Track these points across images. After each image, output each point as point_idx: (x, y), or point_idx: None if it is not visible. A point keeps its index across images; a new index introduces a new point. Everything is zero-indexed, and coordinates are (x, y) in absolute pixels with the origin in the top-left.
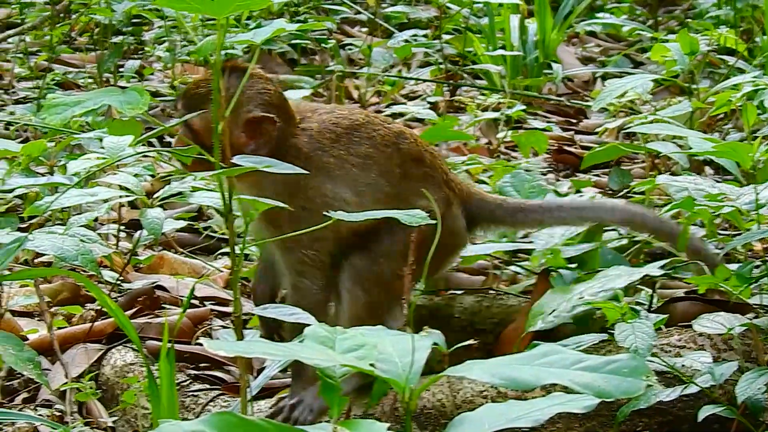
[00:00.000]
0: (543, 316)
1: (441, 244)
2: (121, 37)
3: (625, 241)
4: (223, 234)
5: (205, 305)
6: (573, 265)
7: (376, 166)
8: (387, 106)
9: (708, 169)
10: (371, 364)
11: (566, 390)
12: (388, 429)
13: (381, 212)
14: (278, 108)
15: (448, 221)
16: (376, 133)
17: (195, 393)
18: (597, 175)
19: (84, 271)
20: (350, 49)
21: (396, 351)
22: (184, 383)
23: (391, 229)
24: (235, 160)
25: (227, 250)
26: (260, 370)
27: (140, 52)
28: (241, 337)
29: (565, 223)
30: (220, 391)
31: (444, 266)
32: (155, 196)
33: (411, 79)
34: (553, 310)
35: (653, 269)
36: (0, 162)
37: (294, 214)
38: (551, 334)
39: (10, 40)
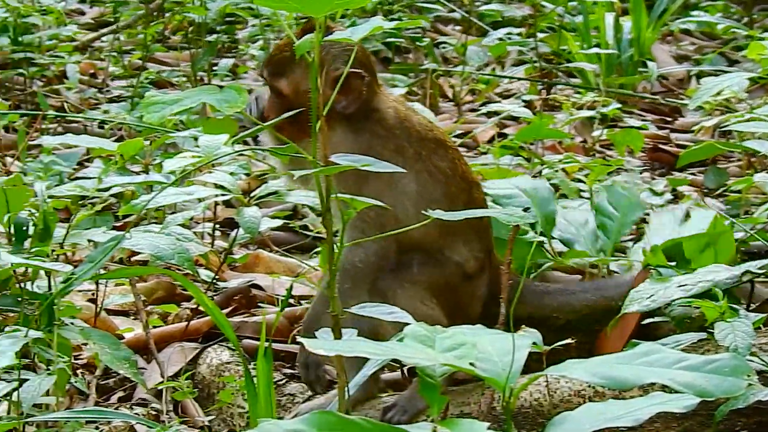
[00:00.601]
0: (640, 300)
1: (460, 302)
2: (215, 36)
3: None
4: (318, 232)
5: (301, 304)
6: (673, 263)
7: (446, 189)
8: (481, 105)
9: None
10: (471, 363)
11: (665, 389)
12: (488, 428)
13: (479, 211)
14: (364, 65)
15: (475, 284)
16: (459, 165)
17: (291, 392)
18: (693, 174)
19: (180, 269)
20: (444, 48)
21: (495, 350)
22: (280, 382)
23: (425, 261)
24: (333, 158)
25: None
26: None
27: (234, 51)
28: (339, 336)
29: (591, 305)
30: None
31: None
32: (251, 194)
33: (505, 77)
34: (651, 295)
35: (753, 266)
36: (95, 161)
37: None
38: (650, 333)
39: (104, 38)
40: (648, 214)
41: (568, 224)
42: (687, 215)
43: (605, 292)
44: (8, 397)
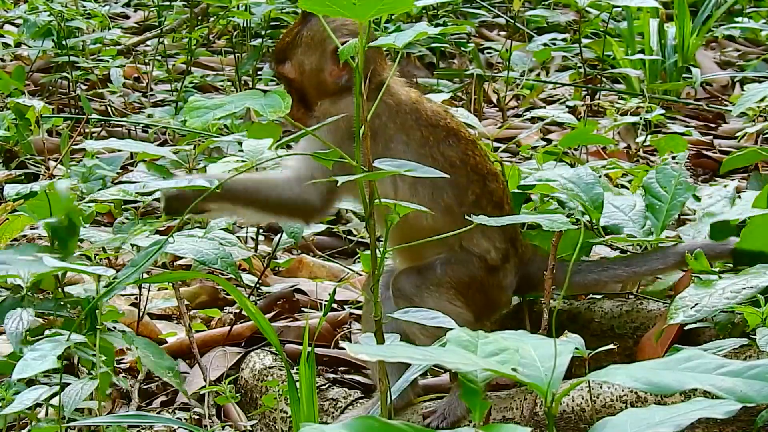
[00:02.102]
0: (684, 309)
1: (487, 296)
2: (259, 40)
3: None
4: (362, 237)
5: (344, 309)
6: (716, 269)
7: (453, 179)
8: (526, 110)
9: None
10: (513, 369)
11: (706, 395)
12: None
13: (523, 217)
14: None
15: (500, 275)
16: (471, 156)
17: (334, 397)
18: (736, 180)
19: (223, 274)
20: (489, 53)
21: (538, 355)
22: (323, 387)
23: (447, 260)
24: (376, 164)
25: (367, 253)
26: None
27: None
28: (382, 340)
29: (621, 280)
30: (360, 395)
31: (484, 317)
32: None
33: (550, 82)
34: (696, 304)
35: None
36: (139, 165)
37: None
38: (692, 339)
39: (148, 42)
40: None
41: (616, 210)
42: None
43: (635, 267)
44: (50, 401)
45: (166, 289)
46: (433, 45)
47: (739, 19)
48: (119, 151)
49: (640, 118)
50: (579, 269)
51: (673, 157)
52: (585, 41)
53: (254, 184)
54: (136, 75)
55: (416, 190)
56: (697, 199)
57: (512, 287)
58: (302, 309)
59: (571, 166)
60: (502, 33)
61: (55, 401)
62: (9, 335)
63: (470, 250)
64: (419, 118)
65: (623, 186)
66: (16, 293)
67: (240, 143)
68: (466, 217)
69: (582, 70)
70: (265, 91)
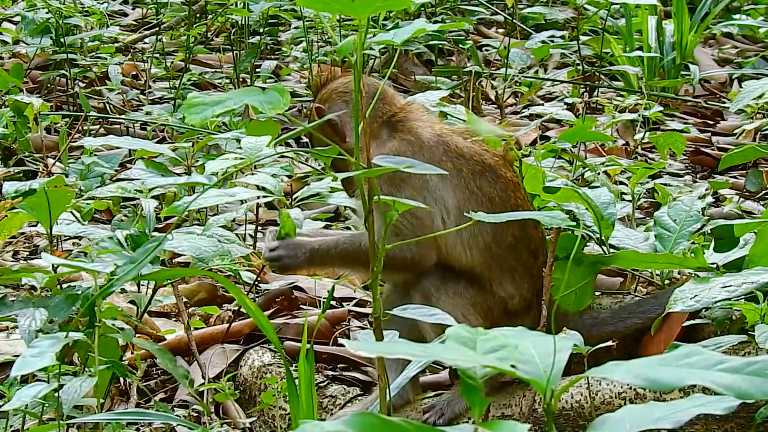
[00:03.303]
0: (684, 300)
1: None
2: (257, 38)
3: None
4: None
5: (343, 306)
6: (713, 266)
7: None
8: (524, 107)
9: None
10: (512, 365)
11: (705, 391)
12: (529, 431)
13: (522, 213)
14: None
15: (518, 322)
16: (512, 196)
17: (333, 394)
18: (734, 177)
19: (222, 272)
20: (487, 50)
21: (537, 352)
22: (322, 384)
23: (473, 283)
24: (375, 160)
25: None
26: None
27: (277, 53)
28: (381, 337)
29: (635, 327)
30: (359, 392)
31: None
32: (293, 196)
33: (548, 80)
34: (695, 296)
35: None
36: (137, 162)
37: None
38: (692, 337)
39: (146, 40)
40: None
41: (626, 236)
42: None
43: (651, 313)
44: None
45: (165, 286)
46: (432, 42)
47: (738, 16)
48: (118, 148)
49: (639, 115)
50: (596, 321)
51: (672, 155)
52: (583, 38)
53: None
54: (134, 72)
55: (460, 225)
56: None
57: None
58: (301, 306)
59: (570, 163)
60: (501, 30)
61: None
62: (22, 333)
63: (496, 291)
64: (447, 150)
65: (622, 183)
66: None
67: (238, 140)
68: (465, 213)
69: (580, 68)
70: (263, 88)
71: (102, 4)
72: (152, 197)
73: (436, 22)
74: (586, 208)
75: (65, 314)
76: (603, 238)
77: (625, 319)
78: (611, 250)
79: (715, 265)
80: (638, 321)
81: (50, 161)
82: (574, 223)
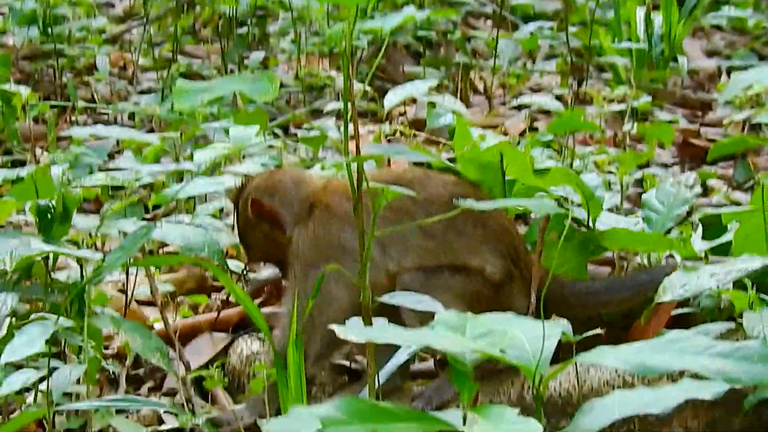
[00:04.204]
0: (673, 289)
1: None
2: (245, 29)
3: None
4: None
5: None
6: (702, 255)
7: (403, 220)
8: (513, 98)
9: None
10: (501, 350)
11: (694, 377)
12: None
13: (511, 201)
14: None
15: (505, 295)
16: (425, 190)
17: (322, 382)
18: (722, 168)
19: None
20: (475, 42)
21: (526, 338)
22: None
23: (455, 269)
24: (365, 148)
25: None
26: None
27: (264, 44)
28: (370, 323)
29: (630, 299)
30: (348, 380)
31: None
32: None
33: (537, 71)
34: (684, 284)
35: None
36: (125, 152)
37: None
38: (680, 325)
39: (134, 30)
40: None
41: (615, 221)
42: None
43: (644, 287)
44: (38, 386)
45: (155, 275)
46: (420, 34)
47: (726, 8)
48: (106, 138)
49: (627, 106)
50: (590, 290)
51: (661, 146)
52: (572, 30)
53: None
54: (122, 63)
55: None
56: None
57: (523, 310)
58: None
59: (559, 153)
60: (489, 22)
61: (43, 386)
62: None
63: (469, 266)
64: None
65: (610, 173)
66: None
67: (227, 130)
68: (454, 201)
69: (569, 59)
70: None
71: None
72: (141, 186)
73: None
74: (574, 189)
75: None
76: (592, 219)
77: (619, 290)
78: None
79: (703, 253)
80: (631, 293)
81: (38, 151)
82: (564, 210)
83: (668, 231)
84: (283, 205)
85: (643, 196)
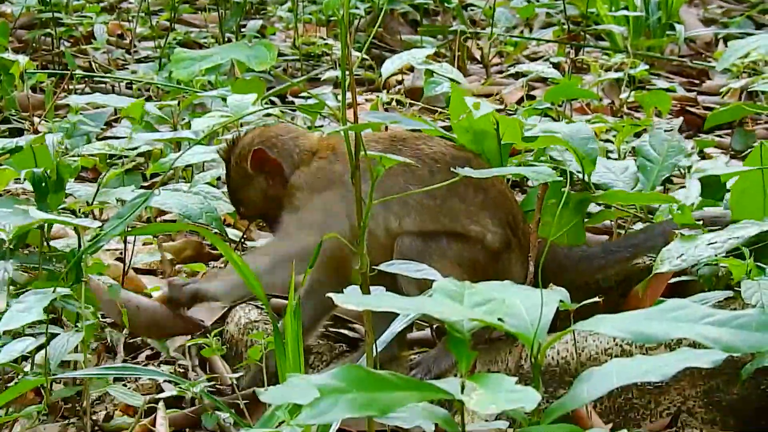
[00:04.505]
0: (670, 259)
1: None
2: None
3: None
4: None
5: None
6: (700, 222)
7: (407, 176)
8: (509, 66)
9: None
10: (499, 319)
11: (693, 346)
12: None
13: (508, 169)
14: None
15: (503, 264)
16: (421, 149)
17: (319, 351)
18: (720, 136)
19: (208, 228)
20: (473, 10)
21: (524, 306)
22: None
23: (453, 236)
24: (363, 116)
25: None
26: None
27: (262, 12)
28: (367, 291)
29: (626, 261)
30: (346, 349)
31: None
32: None
33: (533, 39)
34: (681, 254)
35: None
36: (123, 121)
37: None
38: (678, 294)
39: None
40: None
41: (607, 171)
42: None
43: (641, 246)
44: (36, 354)
45: (151, 243)
46: (417, 2)
47: None
48: (103, 107)
49: (624, 75)
50: (586, 254)
51: (658, 114)
52: None
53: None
54: (119, 32)
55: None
56: (689, 155)
57: (521, 279)
58: None
59: (556, 120)
60: None
61: (40, 354)
62: None
63: (468, 233)
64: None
65: (608, 141)
66: None
67: (224, 99)
68: (452, 169)
69: (566, 27)
70: (250, 44)
71: None
72: (138, 154)
73: None
74: (567, 149)
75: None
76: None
77: (614, 252)
78: (596, 191)
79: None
80: (627, 255)
81: (36, 120)
82: (561, 178)
83: (664, 181)
84: (282, 155)
85: (636, 143)
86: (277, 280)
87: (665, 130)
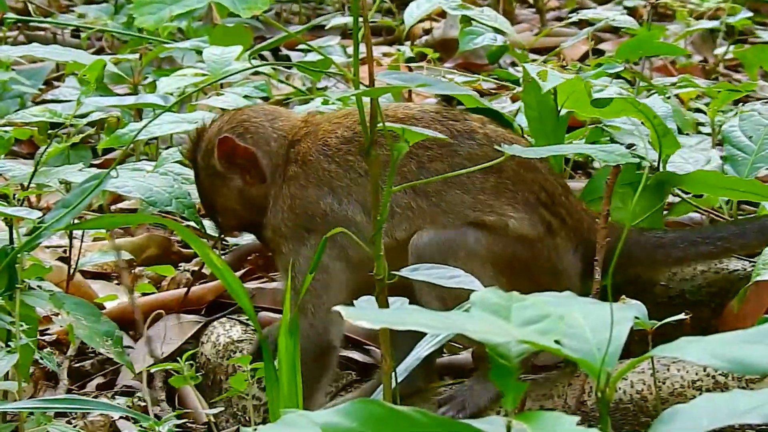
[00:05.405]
0: None
1: (538, 284)
2: None
3: None
4: None
5: None
6: None
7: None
8: (571, 12)
9: None
10: (556, 341)
11: None
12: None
13: (571, 147)
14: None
15: (546, 252)
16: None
17: None
18: None
19: (179, 219)
20: None
21: (589, 324)
22: None
23: (483, 228)
24: (380, 77)
25: None
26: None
27: None
28: (386, 304)
29: (710, 257)
30: (356, 378)
31: None
32: None
33: None
34: None
35: None
36: (68, 79)
37: (296, 235)
38: None
39: None
40: None
41: (683, 161)
42: None
43: (730, 242)
44: None
45: (104, 239)
46: None
47: None
48: (43, 61)
49: (720, 23)
50: (662, 242)
51: (764, 76)
52: None
53: None
54: None
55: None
56: None
57: (575, 270)
58: None
59: (631, 84)
60: None
61: None
62: None
63: (495, 223)
64: (335, 155)
65: (699, 111)
66: None
67: (199, 52)
68: (496, 147)
69: None
70: None
71: None
72: (88, 124)
73: None
74: (642, 123)
75: None
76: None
77: (697, 244)
78: None
79: None
80: (713, 249)
81: None
82: (637, 160)
83: None
84: (257, 143)
85: (724, 128)
86: (336, 332)
87: (761, 113)
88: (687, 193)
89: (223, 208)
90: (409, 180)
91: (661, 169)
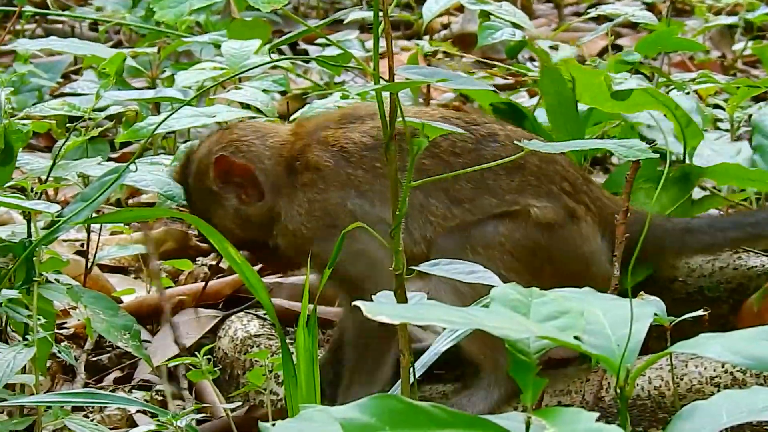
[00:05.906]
0: None
1: (564, 273)
2: None
3: None
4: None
5: None
6: None
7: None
8: (589, 7)
9: None
10: (576, 337)
11: None
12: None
13: (589, 142)
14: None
15: (572, 240)
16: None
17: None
18: None
19: None
20: None
21: (608, 321)
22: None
23: (504, 216)
24: (400, 72)
25: None
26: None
27: None
28: (404, 299)
29: (737, 243)
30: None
31: None
32: (289, 117)
33: None
34: None
35: None
36: (85, 72)
37: (321, 233)
38: None
39: None
40: None
41: (713, 153)
42: None
43: (760, 229)
44: None
45: (121, 233)
46: None
47: None
48: (61, 54)
49: (739, 19)
50: (689, 228)
51: None
52: None
53: None
54: None
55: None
56: None
57: (605, 256)
58: None
59: (650, 79)
60: None
61: None
62: None
63: (518, 213)
64: (360, 161)
65: (717, 107)
66: None
67: (217, 45)
68: (516, 142)
69: None
70: None
71: None
72: (106, 117)
73: None
74: (665, 115)
75: None
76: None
77: (725, 230)
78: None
79: None
80: (740, 235)
81: None
82: (657, 155)
83: None
84: (251, 161)
85: (755, 116)
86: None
87: None
88: (716, 188)
89: (224, 229)
90: (445, 188)
91: (687, 162)
